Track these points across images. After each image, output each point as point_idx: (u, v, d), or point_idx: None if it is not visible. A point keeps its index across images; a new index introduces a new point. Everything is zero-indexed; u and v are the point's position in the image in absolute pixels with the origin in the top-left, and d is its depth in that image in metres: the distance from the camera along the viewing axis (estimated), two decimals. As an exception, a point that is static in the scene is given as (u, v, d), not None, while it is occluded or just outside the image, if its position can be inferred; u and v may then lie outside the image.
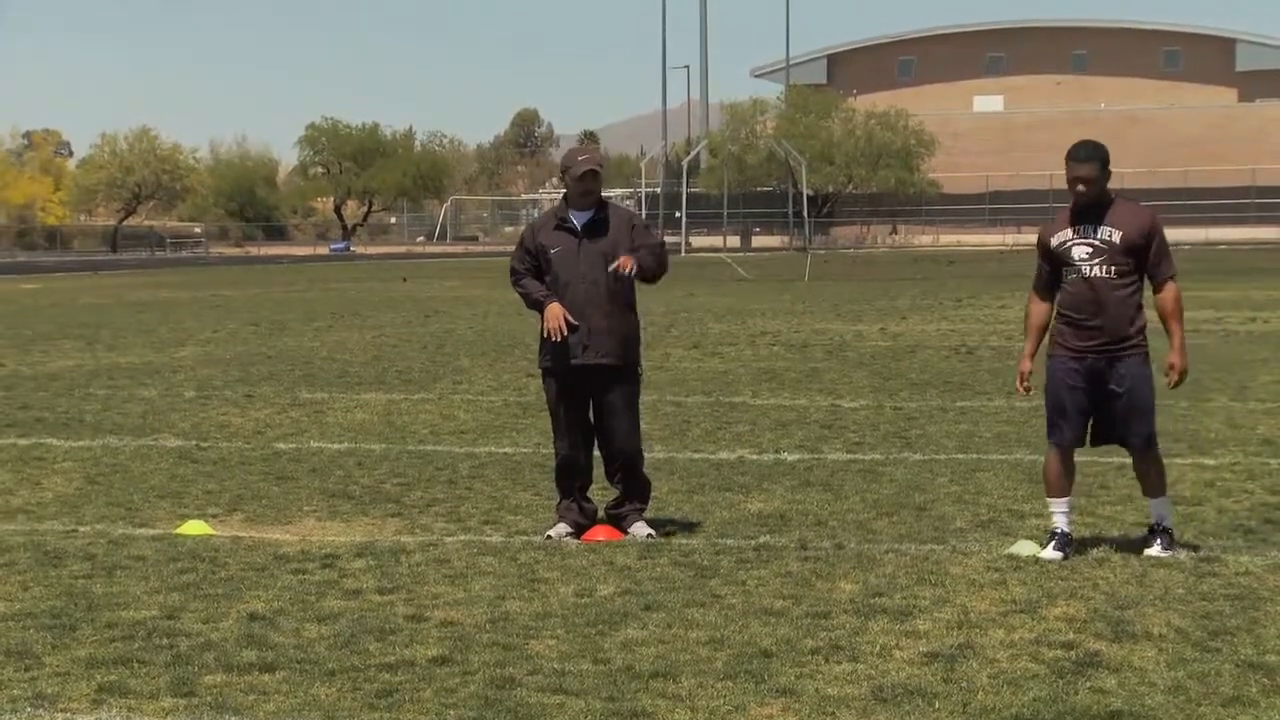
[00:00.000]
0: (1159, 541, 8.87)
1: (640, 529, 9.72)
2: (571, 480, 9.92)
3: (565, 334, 9.52)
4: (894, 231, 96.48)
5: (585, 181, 9.66)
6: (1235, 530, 9.52)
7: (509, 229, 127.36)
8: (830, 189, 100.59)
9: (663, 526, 9.91)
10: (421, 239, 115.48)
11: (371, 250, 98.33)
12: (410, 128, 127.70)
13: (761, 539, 9.53)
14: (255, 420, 15.52)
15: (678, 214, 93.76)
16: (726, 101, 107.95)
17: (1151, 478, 9.04)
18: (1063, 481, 9.05)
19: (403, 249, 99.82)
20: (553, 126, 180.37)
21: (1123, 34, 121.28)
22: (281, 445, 13.77)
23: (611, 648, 7.17)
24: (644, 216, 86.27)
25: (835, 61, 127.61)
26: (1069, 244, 8.84)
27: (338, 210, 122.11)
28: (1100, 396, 8.88)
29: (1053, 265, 8.95)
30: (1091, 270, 8.75)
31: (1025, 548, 8.99)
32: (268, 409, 16.43)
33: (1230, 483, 11.20)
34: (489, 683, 6.65)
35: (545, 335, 9.60)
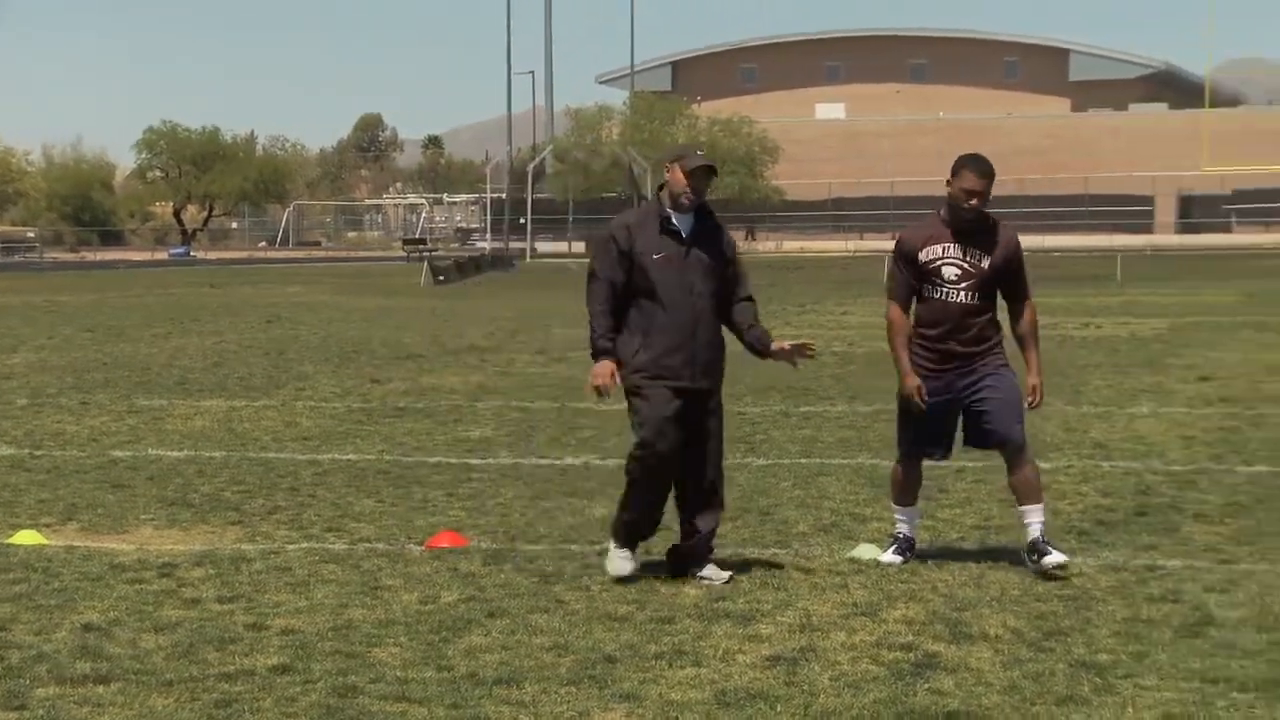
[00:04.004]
0: (1052, 546, 8.56)
1: (717, 573, 8.51)
2: (649, 494, 8.57)
3: (600, 397, 8.61)
4: (750, 237, 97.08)
5: (697, 179, 8.40)
6: (1069, 532, 9.69)
7: (352, 234, 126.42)
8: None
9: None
10: (263, 244, 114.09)
11: (212, 255, 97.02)
12: (251, 132, 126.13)
13: (606, 544, 9.51)
14: (90, 428, 15.24)
15: (522, 220, 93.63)
16: (572, 107, 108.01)
17: (1030, 481, 8.68)
18: (911, 490, 8.99)
19: (244, 254, 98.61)
20: (396, 131, 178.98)
21: (961, 44, 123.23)
22: (118, 453, 13.53)
23: (455, 655, 7.13)
24: (488, 222, 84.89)
25: (679, 69, 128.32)
26: (938, 262, 8.61)
27: (177, 215, 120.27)
28: (964, 404, 8.69)
29: (915, 277, 8.71)
30: (958, 295, 8.59)
31: (866, 551, 9.08)
32: (104, 416, 16.14)
33: (1064, 485, 11.41)
34: (331, 691, 6.58)
35: (588, 386, 8.52)
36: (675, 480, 8.56)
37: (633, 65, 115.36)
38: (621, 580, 8.40)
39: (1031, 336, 8.80)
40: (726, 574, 8.47)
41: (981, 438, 8.77)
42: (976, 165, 8.60)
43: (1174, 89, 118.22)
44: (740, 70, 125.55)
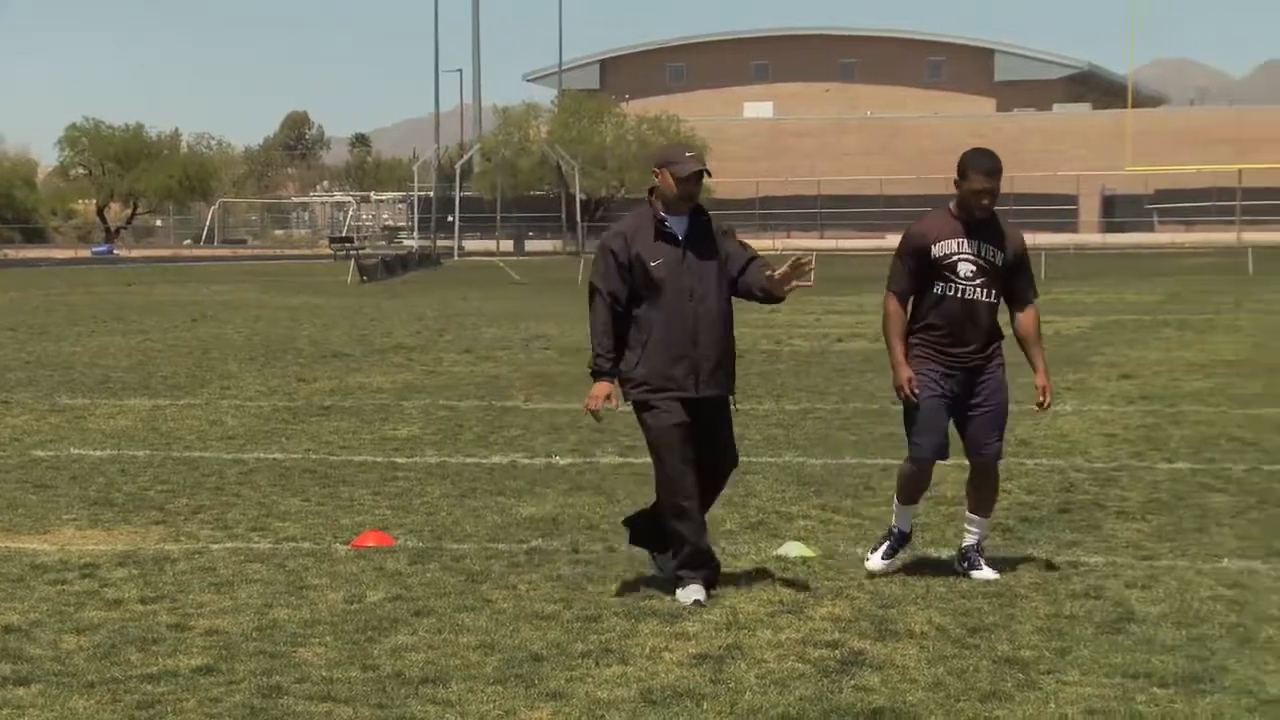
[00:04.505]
0: (984, 561, 8.51)
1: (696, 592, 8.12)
2: (694, 513, 8.17)
3: (597, 420, 8.30)
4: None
5: (691, 184, 8.12)
6: (994, 529, 9.75)
7: (279, 232, 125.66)
8: (603, 193, 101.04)
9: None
10: (189, 242, 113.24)
11: (137, 253, 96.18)
12: (176, 129, 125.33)
13: (533, 543, 9.53)
14: (12, 427, 15.07)
15: (450, 218, 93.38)
16: (500, 106, 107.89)
17: (988, 492, 8.67)
18: (920, 490, 8.64)
19: (169, 252, 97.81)
20: (323, 129, 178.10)
21: (888, 43, 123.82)
22: (39, 452, 13.39)
23: (381, 654, 7.11)
24: (416, 220, 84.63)
25: (607, 67, 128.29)
26: (955, 258, 8.34)
27: (100, 213, 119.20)
28: (963, 407, 8.48)
29: (924, 271, 8.40)
30: (974, 292, 8.35)
31: (793, 549, 9.11)
32: (25, 415, 15.98)
33: (990, 482, 11.46)
34: (255, 692, 6.54)
35: (585, 405, 8.19)
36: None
37: (560, 64, 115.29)
38: (699, 605, 7.93)
39: (1035, 337, 8.65)
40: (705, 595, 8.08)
41: (962, 443, 8.61)
42: (982, 165, 8.35)
43: (1097, 89, 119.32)
44: (668, 69, 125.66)
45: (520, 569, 8.80)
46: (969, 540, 8.58)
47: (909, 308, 8.53)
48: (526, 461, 12.77)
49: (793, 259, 8.11)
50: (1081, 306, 33.38)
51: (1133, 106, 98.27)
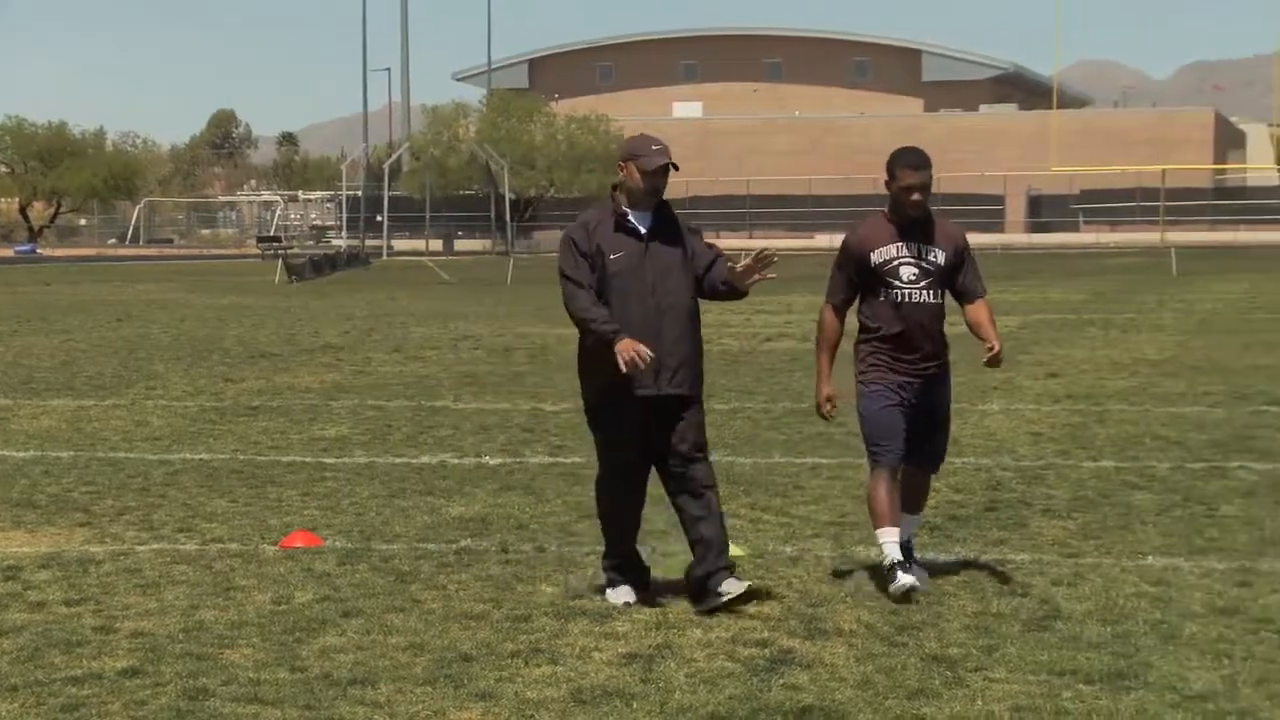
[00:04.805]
0: (911, 561, 8.29)
1: (734, 585, 7.83)
2: (628, 521, 8.14)
3: (643, 364, 7.70)
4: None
5: (657, 178, 7.90)
6: (921, 528, 9.80)
7: (206, 231, 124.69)
8: (532, 193, 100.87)
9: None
10: (113, 241, 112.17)
11: (60, 253, 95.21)
12: (100, 127, 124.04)
13: (463, 543, 9.51)
14: (-66, 428, 14.90)
15: (379, 217, 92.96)
16: (429, 105, 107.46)
17: (922, 492, 8.60)
18: (892, 508, 8.26)
19: (94, 251, 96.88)
20: (250, 128, 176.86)
21: (816, 43, 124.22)
22: (-37, 454, 13.25)
23: (309, 656, 7.07)
24: (344, 220, 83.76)
25: (536, 66, 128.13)
26: (895, 262, 8.17)
27: (23, 211, 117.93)
28: (917, 416, 8.28)
29: (864, 280, 8.24)
30: (920, 296, 8.17)
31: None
32: (-52, 416, 15.79)
33: (918, 481, 11.53)
34: (181, 694, 6.50)
35: (622, 367, 7.67)
36: (672, 500, 8.07)
37: (490, 63, 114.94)
38: (628, 606, 7.87)
39: (988, 320, 8.33)
40: (744, 584, 7.83)
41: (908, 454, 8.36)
42: (909, 160, 8.20)
43: (1023, 90, 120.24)
44: (597, 68, 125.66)
45: (450, 569, 8.78)
46: (903, 539, 8.36)
47: (844, 321, 8.39)
48: (456, 461, 12.74)
49: (755, 252, 7.96)
50: (1008, 306, 33.59)
51: (1058, 107, 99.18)
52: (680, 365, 7.87)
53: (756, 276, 7.95)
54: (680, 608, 7.85)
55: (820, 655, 7.04)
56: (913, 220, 8.22)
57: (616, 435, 7.93)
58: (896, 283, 8.18)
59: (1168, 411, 15.47)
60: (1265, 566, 8.75)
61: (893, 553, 8.14)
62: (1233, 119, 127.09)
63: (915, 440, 8.33)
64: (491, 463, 12.65)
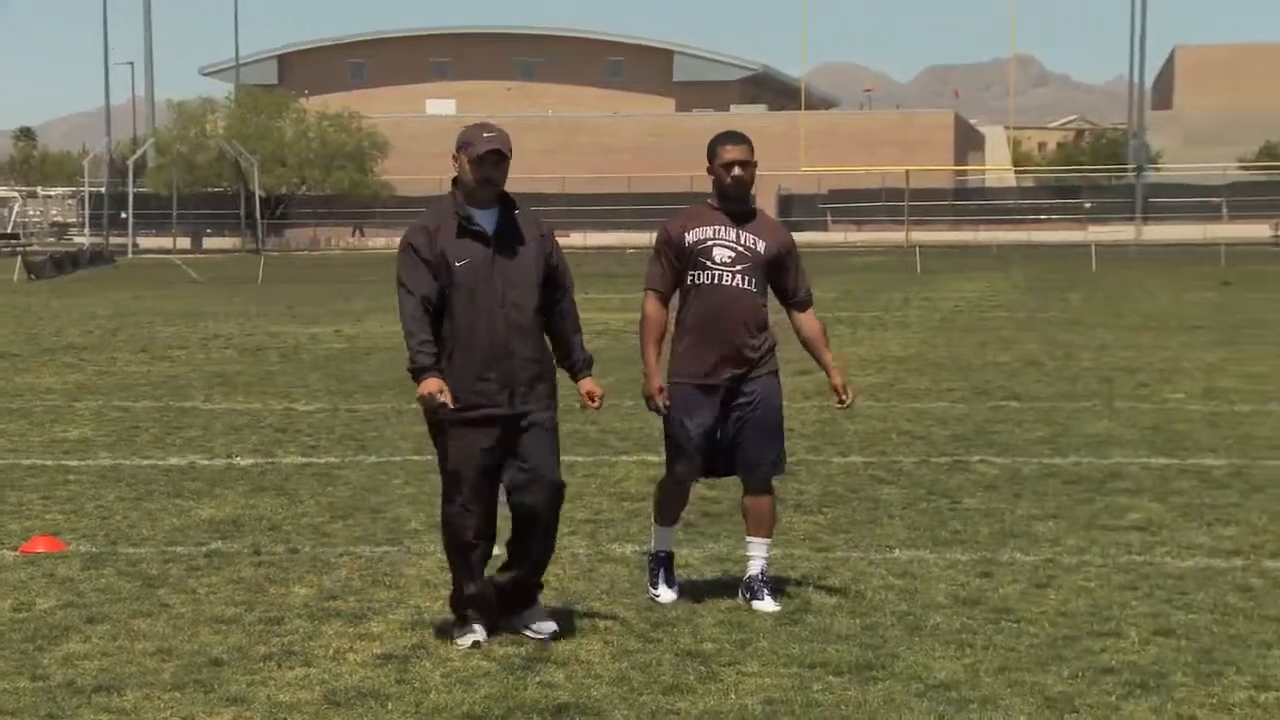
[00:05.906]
0: (768, 591, 7.92)
1: (547, 625, 7.38)
2: (477, 555, 7.37)
3: (438, 413, 7.11)
4: (358, 234, 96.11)
5: (485, 167, 7.23)
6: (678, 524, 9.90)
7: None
8: (283, 190, 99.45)
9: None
10: None
11: None
12: None
13: (213, 545, 9.34)
14: None
15: (124, 214, 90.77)
16: (174, 100, 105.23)
17: (765, 512, 8.02)
18: (679, 510, 8.20)
19: None
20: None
21: (569, 43, 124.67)
22: None
23: (51, 663, 6.89)
24: (87, 217, 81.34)
25: (286, 63, 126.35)
26: (709, 243, 7.80)
27: None
28: (726, 422, 7.91)
29: (681, 264, 7.85)
30: (733, 279, 7.80)
31: (477, 546, 9.07)
32: None
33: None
34: (-83, 708, 6.27)
35: (426, 407, 7.12)
36: (513, 511, 7.40)
37: (237, 57, 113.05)
38: (477, 646, 7.19)
39: (820, 337, 8.17)
40: (552, 625, 7.36)
41: (729, 464, 8.02)
42: (730, 137, 7.88)
43: (772, 90, 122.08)
44: (349, 65, 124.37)
45: (200, 572, 8.62)
46: (753, 569, 7.97)
47: (668, 308, 7.95)
48: (206, 463, 12.51)
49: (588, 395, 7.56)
50: (758, 304, 34.12)
51: (806, 108, 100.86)
52: (536, 380, 7.31)
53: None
54: (437, 608, 7.81)
55: (576, 653, 7.07)
56: (738, 207, 7.89)
57: (464, 462, 7.24)
58: (708, 263, 7.80)
59: (912, 407, 15.86)
60: (1005, 557, 9.03)
61: (661, 546, 8.08)
62: (972, 121, 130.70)
63: (738, 448, 7.94)
64: (243, 463, 12.45)
